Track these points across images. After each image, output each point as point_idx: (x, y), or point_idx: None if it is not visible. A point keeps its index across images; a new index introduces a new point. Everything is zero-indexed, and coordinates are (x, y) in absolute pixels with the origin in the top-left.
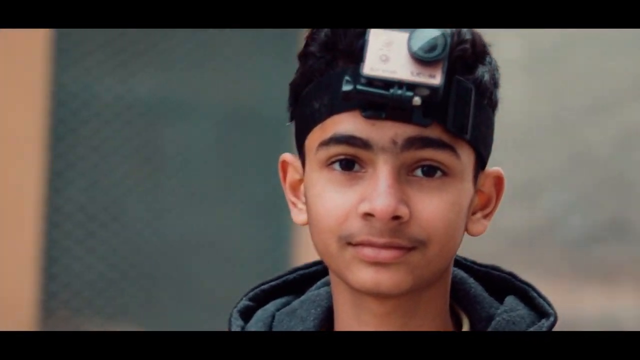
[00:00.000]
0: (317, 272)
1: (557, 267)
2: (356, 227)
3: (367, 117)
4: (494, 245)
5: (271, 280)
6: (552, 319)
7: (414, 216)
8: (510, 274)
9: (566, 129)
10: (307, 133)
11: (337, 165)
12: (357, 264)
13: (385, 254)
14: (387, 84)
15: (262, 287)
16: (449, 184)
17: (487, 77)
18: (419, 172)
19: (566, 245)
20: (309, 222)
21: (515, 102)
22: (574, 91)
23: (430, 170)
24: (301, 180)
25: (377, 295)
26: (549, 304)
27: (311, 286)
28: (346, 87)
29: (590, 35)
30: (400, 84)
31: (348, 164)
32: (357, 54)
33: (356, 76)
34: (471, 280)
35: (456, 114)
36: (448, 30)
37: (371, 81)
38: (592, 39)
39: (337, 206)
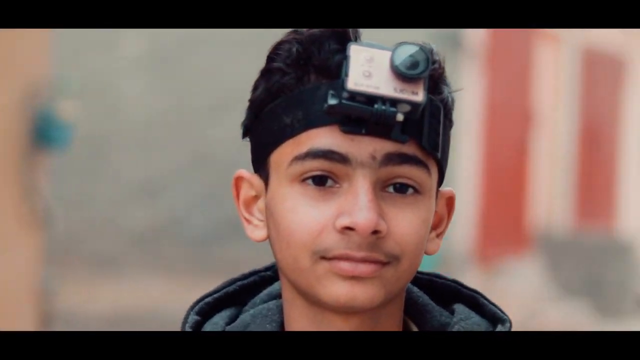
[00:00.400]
0: (255, 283)
1: (179, 265)
2: (332, 241)
3: (347, 132)
4: (116, 244)
5: (213, 293)
6: (507, 324)
7: (390, 231)
8: (455, 282)
9: (189, 127)
10: (273, 148)
11: (310, 181)
12: (331, 277)
13: (362, 268)
14: (371, 99)
15: (206, 300)
16: (420, 201)
17: (450, 97)
18: (391, 188)
19: (188, 243)
20: (273, 238)
21: (137, 100)
22: (196, 90)
23: (402, 188)
24: (256, 197)
25: (349, 309)
26: (501, 310)
27: (251, 297)
28: (332, 101)
29: (212, 35)
30: (383, 99)
31: (321, 180)
32: (333, 70)
33: (338, 91)
34: (415, 289)
35: (430, 131)
36: (426, 46)
37: (354, 96)
38: (214, 39)
39: (312, 220)
